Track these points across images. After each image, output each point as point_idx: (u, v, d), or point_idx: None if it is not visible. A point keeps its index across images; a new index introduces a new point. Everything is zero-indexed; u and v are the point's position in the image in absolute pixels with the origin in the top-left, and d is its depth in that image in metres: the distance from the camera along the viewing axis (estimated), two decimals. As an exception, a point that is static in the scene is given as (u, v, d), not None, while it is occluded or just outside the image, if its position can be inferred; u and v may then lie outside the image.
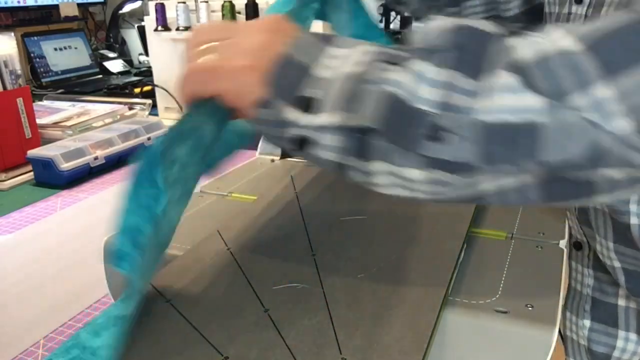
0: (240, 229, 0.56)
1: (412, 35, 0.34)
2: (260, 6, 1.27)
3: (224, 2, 1.27)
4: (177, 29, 1.33)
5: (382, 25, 3.98)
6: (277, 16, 0.38)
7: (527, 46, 0.30)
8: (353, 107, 0.32)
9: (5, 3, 1.85)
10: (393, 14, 3.96)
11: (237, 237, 0.55)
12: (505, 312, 0.41)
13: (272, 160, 0.85)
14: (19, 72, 1.03)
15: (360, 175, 0.34)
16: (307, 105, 0.33)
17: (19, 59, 1.04)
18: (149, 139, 1.15)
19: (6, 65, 1.00)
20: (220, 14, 1.29)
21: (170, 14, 1.34)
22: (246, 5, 1.27)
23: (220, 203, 0.67)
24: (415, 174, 0.32)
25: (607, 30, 0.29)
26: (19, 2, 1.90)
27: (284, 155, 0.87)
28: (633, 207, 0.48)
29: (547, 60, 0.29)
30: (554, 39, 0.30)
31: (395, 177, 0.33)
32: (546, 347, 0.39)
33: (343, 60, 0.34)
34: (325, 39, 0.36)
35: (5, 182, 0.97)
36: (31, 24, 1.95)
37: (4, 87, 1.00)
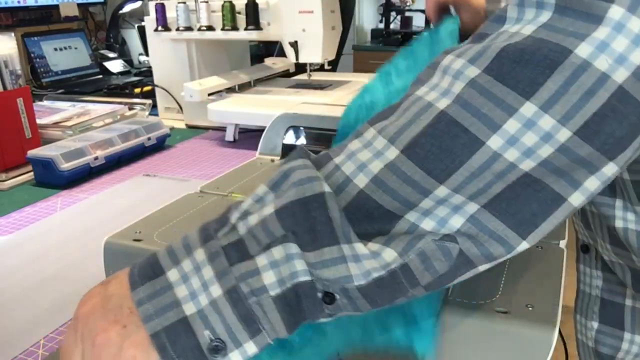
0: (240, 229, 0.56)
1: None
2: (260, 6, 1.28)
3: (224, 2, 1.27)
4: (177, 29, 1.33)
5: (382, 25, 3.98)
6: (96, 302, 0.33)
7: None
8: (257, 328, 0.32)
9: (5, 3, 1.86)
10: (393, 14, 3.97)
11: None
12: (505, 312, 0.41)
13: (272, 160, 0.85)
14: (19, 72, 1.03)
15: None
16: (217, 349, 0.31)
17: (19, 59, 1.04)
18: (149, 139, 1.15)
19: (6, 66, 1.00)
20: (220, 14, 1.29)
21: (170, 14, 1.34)
22: (246, 5, 1.27)
23: (220, 203, 0.67)
24: None
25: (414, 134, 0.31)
26: (19, 2, 1.90)
27: (284, 155, 0.87)
28: (618, 212, 0.48)
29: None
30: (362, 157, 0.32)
31: None
32: (546, 347, 0.39)
33: (196, 278, 0.32)
34: (154, 268, 0.33)
35: (6, 182, 0.97)
36: (31, 24, 1.96)
37: (4, 87, 1.00)
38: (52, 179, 0.97)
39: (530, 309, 0.42)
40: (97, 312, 0.32)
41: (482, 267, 0.32)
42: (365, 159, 0.32)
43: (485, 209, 0.31)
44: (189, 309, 0.31)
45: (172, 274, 0.32)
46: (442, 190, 0.30)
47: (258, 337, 0.32)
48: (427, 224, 0.31)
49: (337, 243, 0.31)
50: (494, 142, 0.29)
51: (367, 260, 0.31)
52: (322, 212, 0.31)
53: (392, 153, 0.31)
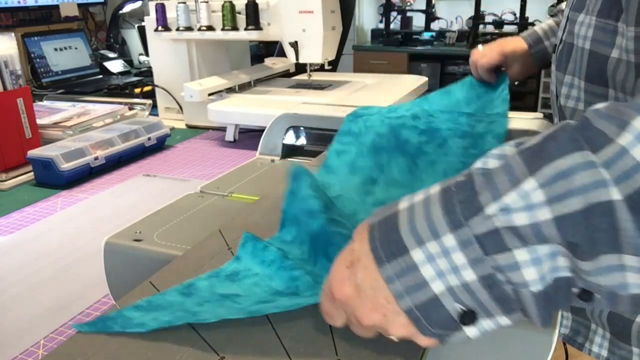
0: (240, 229, 0.56)
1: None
2: (260, 6, 1.28)
3: (224, 2, 1.27)
4: (177, 29, 1.33)
5: (382, 25, 3.98)
6: (348, 285, 0.36)
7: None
8: (511, 307, 0.32)
9: (6, 3, 1.86)
10: (393, 14, 3.97)
11: (237, 237, 0.55)
12: (505, 312, 0.41)
13: (272, 161, 0.85)
14: (19, 72, 1.03)
15: None
16: (468, 318, 0.33)
17: (19, 59, 1.04)
18: (149, 139, 1.15)
19: (6, 66, 1.00)
20: (220, 14, 1.29)
21: (170, 14, 1.34)
22: (246, 5, 1.27)
23: (220, 203, 0.67)
24: None
25: None
26: (19, 2, 1.90)
27: (284, 156, 0.87)
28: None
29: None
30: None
31: None
32: (546, 347, 0.39)
33: (445, 261, 0.32)
34: (398, 246, 0.33)
35: (6, 182, 0.97)
36: (31, 24, 1.96)
37: (4, 88, 1.00)
38: (52, 179, 0.97)
39: (530, 309, 0.41)
40: (355, 300, 0.35)
41: None
42: None
43: None
44: (438, 287, 0.32)
45: (416, 254, 0.33)
46: None
47: (512, 315, 0.32)
48: None
49: (619, 252, 0.29)
50: None
51: None
52: (608, 222, 0.28)
53: None
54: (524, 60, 0.86)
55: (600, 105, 0.30)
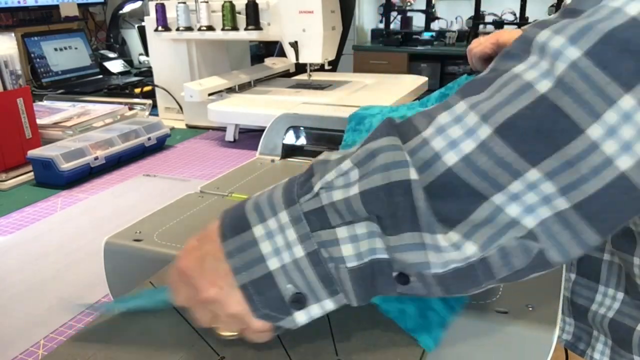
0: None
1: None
2: (260, 6, 1.28)
3: (224, 2, 1.27)
4: (178, 29, 1.33)
5: (382, 25, 3.98)
6: (193, 257, 0.38)
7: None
8: (335, 289, 0.34)
9: (6, 3, 1.86)
10: (393, 14, 3.97)
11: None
12: (505, 312, 0.41)
13: (272, 161, 0.85)
14: (19, 72, 1.03)
15: None
16: (298, 301, 0.35)
17: (19, 59, 1.04)
18: (149, 139, 1.15)
19: (6, 66, 1.00)
20: (220, 14, 1.29)
21: (170, 14, 1.34)
22: (246, 5, 1.27)
23: (220, 203, 0.67)
24: None
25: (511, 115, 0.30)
26: (19, 2, 1.90)
27: (284, 156, 0.87)
28: None
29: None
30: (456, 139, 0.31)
31: None
32: (546, 347, 0.39)
33: (281, 237, 0.34)
34: (241, 222, 0.36)
35: (6, 182, 0.97)
36: (31, 24, 1.96)
37: (4, 88, 1.00)
38: (52, 179, 0.97)
39: (530, 309, 0.42)
40: (196, 271, 0.37)
41: (557, 266, 0.32)
42: (456, 136, 0.31)
43: (576, 211, 0.29)
44: (273, 264, 0.34)
45: (257, 230, 0.35)
46: (533, 174, 0.29)
47: (336, 297, 0.35)
48: (513, 210, 0.30)
49: (419, 230, 0.32)
50: (593, 131, 0.28)
51: (447, 252, 0.32)
52: (407, 200, 0.31)
53: (485, 132, 0.30)
54: None
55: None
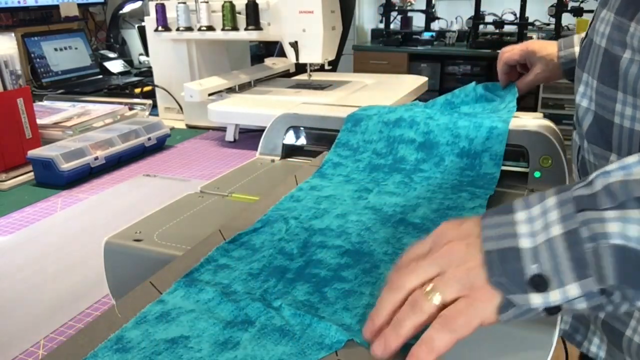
0: (240, 229, 0.56)
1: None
2: (260, 6, 1.28)
3: (224, 2, 1.27)
4: (178, 29, 1.33)
5: (382, 25, 3.98)
6: (453, 223, 0.39)
7: None
8: (585, 272, 0.33)
9: (6, 3, 1.86)
10: (393, 14, 3.97)
11: (237, 237, 0.55)
12: (505, 312, 0.41)
13: (272, 161, 0.85)
14: (19, 72, 1.03)
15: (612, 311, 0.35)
16: (539, 284, 0.34)
17: (19, 59, 1.04)
18: (149, 139, 1.15)
19: (6, 66, 1.00)
20: (220, 14, 1.29)
21: (170, 14, 1.34)
22: (246, 5, 1.27)
23: (220, 203, 0.67)
24: None
25: None
26: (19, 2, 1.90)
27: (284, 156, 0.87)
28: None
29: None
30: None
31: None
32: (546, 347, 0.39)
33: (541, 220, 0.35)
34: (506, 209, 0.37)
35: (6, 183, 0.97)
36: (31, 24, 1.96)
37: (5, 88, 1.00)
38: (52, 179, 0.97)
39: (530, 309, 0.41)
40: (453, 227, 0.39)
41: None
42: None
43: None
44: (524, 243, 0.34)
45: (520, 215, 0.36)
46: None
47: (584, 281, 0.33)
48: None
49: None
50: None
51: None
52: None
53: None
54: (548, 61, 0.84)
55: None
